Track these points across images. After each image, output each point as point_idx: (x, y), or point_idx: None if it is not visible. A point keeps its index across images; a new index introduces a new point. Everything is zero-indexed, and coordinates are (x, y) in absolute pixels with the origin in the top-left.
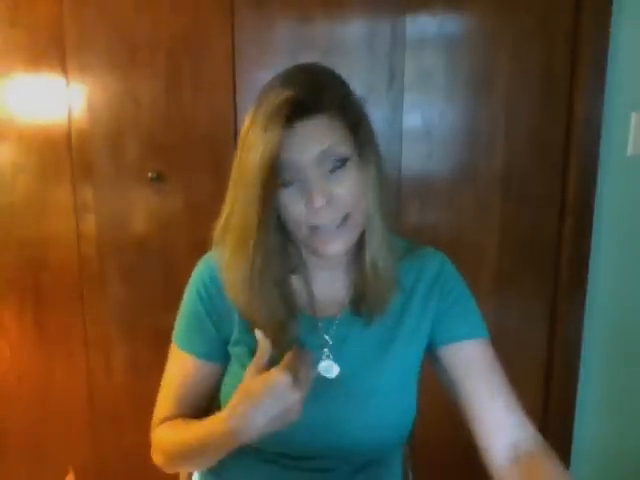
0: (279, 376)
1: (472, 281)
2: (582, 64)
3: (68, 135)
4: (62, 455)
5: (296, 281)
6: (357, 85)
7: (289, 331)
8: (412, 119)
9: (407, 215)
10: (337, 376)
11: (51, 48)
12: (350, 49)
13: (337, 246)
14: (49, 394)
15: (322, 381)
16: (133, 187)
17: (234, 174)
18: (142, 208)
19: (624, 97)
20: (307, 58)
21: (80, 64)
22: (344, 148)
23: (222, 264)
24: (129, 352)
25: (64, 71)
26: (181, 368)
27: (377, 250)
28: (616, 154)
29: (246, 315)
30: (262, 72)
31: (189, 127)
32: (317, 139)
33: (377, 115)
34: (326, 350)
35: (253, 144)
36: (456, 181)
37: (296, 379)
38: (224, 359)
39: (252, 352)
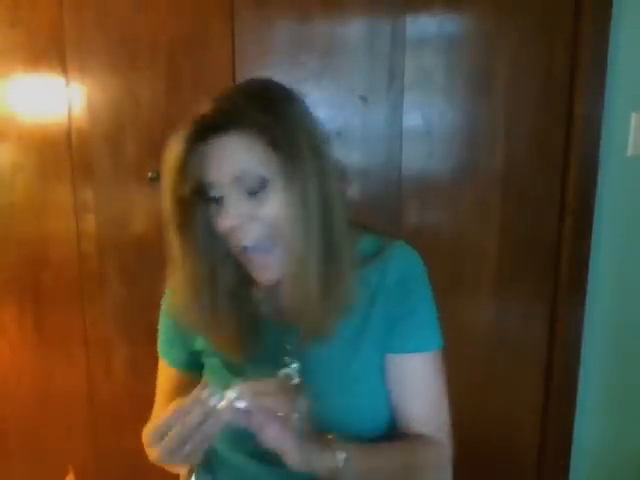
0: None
1: (472, 281)
2: (582, 64)
3: (68, 135)
4: (62, 455)
5: (258, 291)
6: (357, 85)
7: (249, 339)
8: (412, 119)
9: (407, 215)
10: (300, 381)
11: (51, 48)
12: (350, 49)
13: (269, 274)
14: (49, 394)
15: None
16: (133, 187)
17: (164, 208)
18: (142, 208)
19: (624, 97)
20: (307, 58)
21: (80, 64)
22: (264, 169)
23: (169, 288)
24: (129, 352)
25: (64, 71)
26: (164, 377)
27: (300, 276)
28: (616, 154)
29: (200, 334)
30: (262, 72)
31: None
32: (231, 158)
33: (377, 115)
34: (287, 359)
35: (165, 169)
36: (456, 181)
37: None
38: (202, 367)
39: (224, 363)
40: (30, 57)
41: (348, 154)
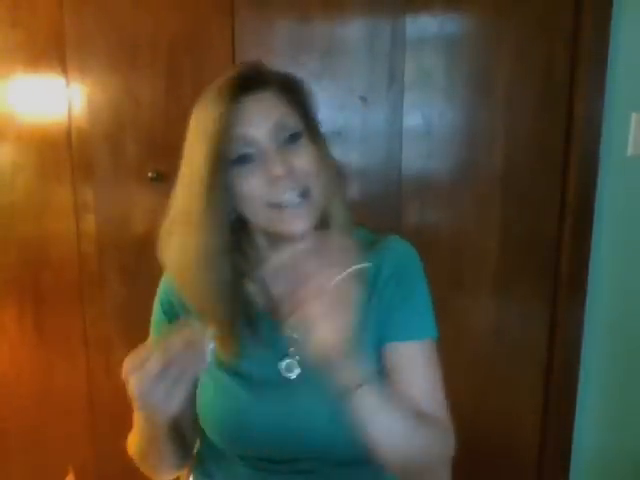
0: None
1: (472, 281)
2: (582, 64)
3: (68, 135)
4: (62, 455)
5: (252, 285)
6: (357, 85)
7: (245, 333)
8: (412, 119)
9: (407, 215)
10: (298, 376)
11: (51, 48)
12: (350, 49)
13: (302, 223)
14: (49, 394)
15: (284, 381)
16: (133, 187)
17: (185, 162)
18: (142, 208)
19: (624, 97)
20: (307, 58)
21: (80, 64)
22: (295, 122)
23: (170, 261)
24: (129, 352)
25: (64, 71)
26: None
27: (343, 227)
28: (616, 154)
29: (199, 314)
30: None
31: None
32: (266, 112)
33: (377, 115)
34: (292, 349)
35: (203, 123)
36: (456, 181)
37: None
38: None
39: (217, 362)
40: (30, 57)
41: (348, 154)
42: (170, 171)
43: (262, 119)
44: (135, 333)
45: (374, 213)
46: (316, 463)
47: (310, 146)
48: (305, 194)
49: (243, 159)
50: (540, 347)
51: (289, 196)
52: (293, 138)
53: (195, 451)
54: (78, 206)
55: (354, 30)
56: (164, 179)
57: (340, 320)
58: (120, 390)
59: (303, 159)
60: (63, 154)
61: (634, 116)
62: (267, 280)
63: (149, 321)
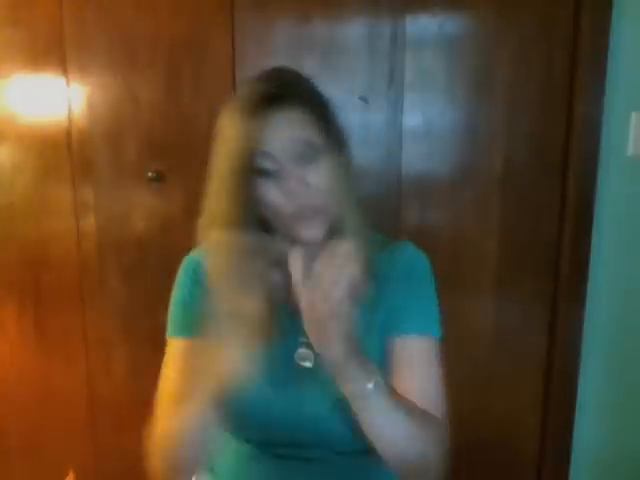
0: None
1: (472, 281)
2: (582, 64)
3: (68, 135)
4: (62, 455)
5: (276, 277)
6: (357, 85)
7: (269, 323)
8: (412, 119)
9: (407, 215)
10: (313, 365)
11: (51, 48)
12: (350, 49)
13: (315, 231)
14: (49, 394)
15: (297, 368)
16: (133, 187)
17: (213, 169)
18: (142, 208)
19: (624, 97)
20: (307, 58)
21: (80, 64)
22: (317, 139)
23: (207, 257)
24: (129, 352)
25: (64, 71)
26: (181, 358)
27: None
28: (616, 154)
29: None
30: None
31: (189, 127)
32: (291, 130)
33: (377, 115)
34: (304, 339)
35: (229, 136)
36: (456, 181)
37: None
38: None
39: None
40: (30, 57)
41: None
42: (170, 171)
43: (285, 136)
44: (135, 333)
45: (374, 213)
46: (326, 451)
47: (329, 163)
48: (318, 210)
49: (265, 173)
50: (540, 347)
51: (302, 208)
52: (313, 155)
53: None
54: (78, 206)
55: (354, 30)
56: (164, 179)
57: (342, 328)
58: (120, 390)
59: (320, 177)
60: (63, 154)
61: (634, 116)
62: (288, 268)
63: (149, 321)
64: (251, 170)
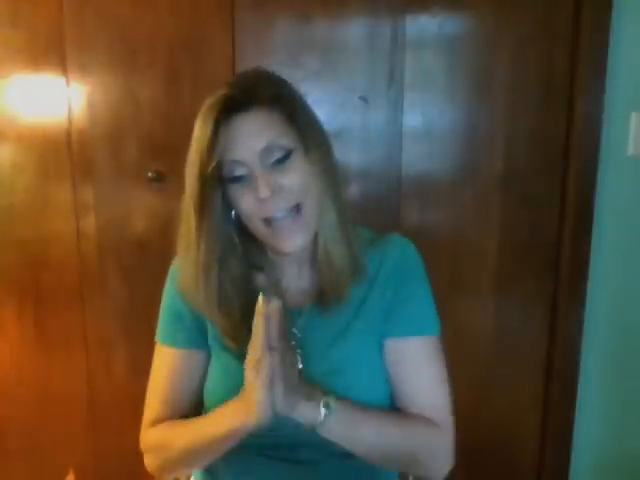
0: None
1: (472, 281)
2: (582, 64)
3: (68, 135)
4: (62, 455)
5: (262, 279)
6: (357, 85)
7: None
8: (412, 119)
9: (407, 215)
10: (301, 367)
11: (51, 48)
12: (350, 49)
13: (294, 241)
14: (49, 394)
15: None
16: (133, 187)
17: (186, 179)
18: (142, 208)
19: (624, 97)
20: (307, 58)
21: (80, 64)
22: (286, 140)
23: (178, 268)
24: (129, 352)
25: (64, 71)
26: (165, 364)
27: (330, 239)
28: (616, 154)
29: (206, 316)
30: None
31: (189, 127)
32: (256, 132)
33: (377, 115)
34: (294, 343)
35: (196, 146)
36: (456, 181)
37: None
38: (206, 346)
39: (234, 355)
40: (30, 57)
41: (348, 154)
42: (170, 171)
43: (252, 142)
44: (135, 333)
45: (374, 213)
46: (316, 453)
47: (300, 162)
48: (295, 210)
49: (235, 179)
50: (540, 347)
51: (278, 213)
52: (283, 157)
53: None
54: (78, 206)
55: (354, 30)
56: (164, 179)
57: (282, 381)
58: (120, 390)
59: (292, 178)
60: (63, 154)
61: (634, 116)
62: (276, 270)
63: (149, 321)
64: (220, 178)
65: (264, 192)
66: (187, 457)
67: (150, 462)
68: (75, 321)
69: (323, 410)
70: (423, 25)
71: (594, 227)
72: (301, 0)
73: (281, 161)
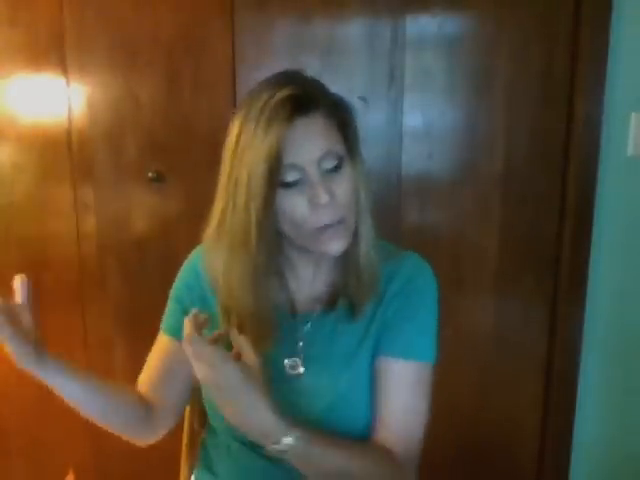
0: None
1: (472, 281)
2: (582, 64)
3: (68, 135)
4: (62, 455)
5: (274, 280)
6: (357, 85)
7: (270, 329)
8: (412, 119)
9: (407, 215)
10: (302, 373)
11: (51, 48)
12: (350, 49)
13: (339, 245)
14: (49, 394)
15: (287, 376)
16: (133, 187)
17: (226, 176)
18: (142, 208)
19: (624, 97)
20: (307, 58)
21: (80, 64)
22: (340, 147)
23: (214, 263)
24: (129, 352)
25: (64, 71)
26: (159, 349)
27: (367, 250)
28: (616, 154)
29: (233, 312)
30: (262, 72)
31: (189, 127)
32: (318, 137)
33: (377, 115)
34: (300, 345)
35: (253, 144)
36: (456, 181)
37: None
38: None
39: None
40: (30, 57)
41: None
42: (170, 171)
43: (312, 147)
44: (135, 333)
45: (374, 213)
46: None
47: (350, 172)
48: (342, 221)
49: (289, 184)
50: (540, 347)
51: (330, 220)
52: (338, 165)
53: (200, 443)
54: (78, 206)
55: (354, 30)
56: (164, 179)
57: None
58: None
59: (343, 188)
60: (63, 154)
61: (634, 116)
62: (287, 277)
63: (149, 321)
64: (277, 178)
65: (324, 198)
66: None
67: None
68: (75, 321)
69: (286, 440)
70: (423, 25)
71: (594, 227)
72: (301, 0)
73: (335, 169)
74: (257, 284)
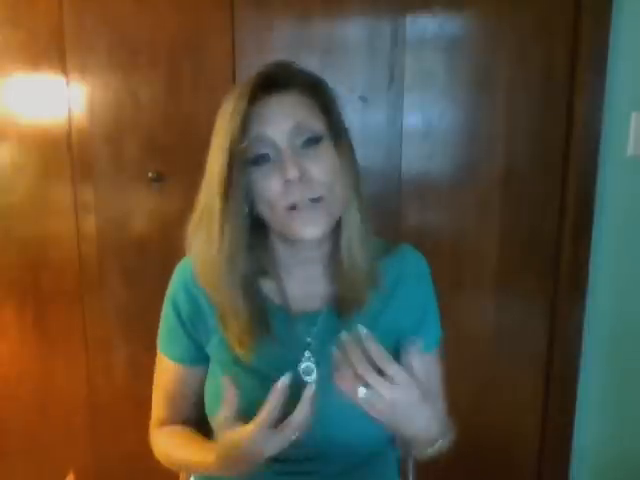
0: (254, 435)
1: (472, 281)
2: (582, 64)
3: (68, 135)
4: (62, 455)
5: (268, 282)
6: (357, 85)
7: (261, 330)
8: (412, 119)
9: (407, 215)
10: (316, 378)
11: (51, 48)
12: (350, 49)
13: (314, 229)
14: (49, 394)
15: (300, 382)
16: (133, 187)
17: (208, 162)
18: (142, 208)
19: (624, 97)
20: (307, 58)
21: (80, 64)
22: (317, 126)
23: (195, 255)
24: (129, 352)
25: (64, 71)
26: (164, 371)
27: (353, 239)
28: (616, 154)
29: (220, 308)
30: None
31: (189, 127)
32: (287, 113)
33: (377, 115)
34: (307, 353)
35: (222, 125)
36: (456, 181)
37: (281, 422)
38: (204, 361)
39: (234, 359)
40: (30, 57)
41: None
42: (170, 171)
43: (281, 120)
44: (135, 333)
45: (374, 213)
46: (324, 464)
47: (330, 152)
48: (318, 200)
49: (260, 159)
50: (540, 347)
51: (301, 199)
52: (313, 142)
53: None
54: (78, 206)
55: (354, 30)
56: (164, 179)
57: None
58: (120, 390)
59: (320, 166)
60: (63, 154)
61: (634, 116)
62: (282, 278)
63: (149, 321)
64: (245, 158)
65: (293, 173)
66: (186, 469)
67: (158, 457)
68: (75, 321)
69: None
70: (423, 25)
71: (594, 227)
72: (301, 0)
73: (310, 145)
74: (234, 264)
